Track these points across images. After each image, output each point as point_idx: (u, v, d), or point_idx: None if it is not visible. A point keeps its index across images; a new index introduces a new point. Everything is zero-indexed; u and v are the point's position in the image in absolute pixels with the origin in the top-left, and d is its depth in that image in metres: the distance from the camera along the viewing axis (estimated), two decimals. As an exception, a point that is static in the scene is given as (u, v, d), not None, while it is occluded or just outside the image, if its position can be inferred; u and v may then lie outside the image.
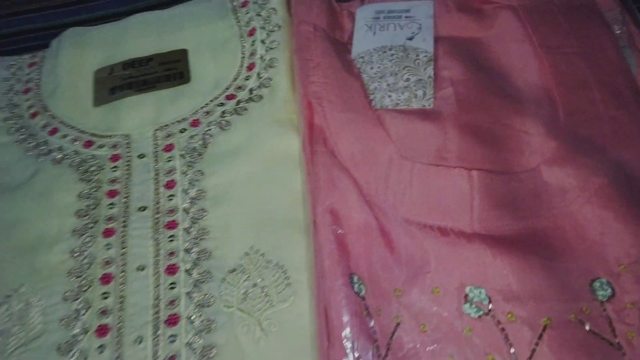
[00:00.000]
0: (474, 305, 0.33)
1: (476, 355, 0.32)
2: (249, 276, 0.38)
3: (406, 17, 0.49)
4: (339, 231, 0.37)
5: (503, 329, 0.32)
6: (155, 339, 0.36)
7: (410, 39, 0.47)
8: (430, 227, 0.36)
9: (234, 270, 0.38)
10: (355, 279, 0.36)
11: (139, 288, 0.39)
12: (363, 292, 0.36)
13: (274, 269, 0.38)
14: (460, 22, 0.48)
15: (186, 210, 0.42)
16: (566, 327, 0.32)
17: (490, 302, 0.33)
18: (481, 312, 0.33)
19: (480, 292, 0.34)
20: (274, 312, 0.36)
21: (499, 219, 0.36)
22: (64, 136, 0.47)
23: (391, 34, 0.48)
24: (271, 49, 0.49)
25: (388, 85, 0.45)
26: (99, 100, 0.50)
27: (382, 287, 0.36)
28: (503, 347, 0.32)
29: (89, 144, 0.47)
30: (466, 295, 0.34)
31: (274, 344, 0.35)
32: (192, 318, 0.37)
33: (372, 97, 0.44)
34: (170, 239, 0.41)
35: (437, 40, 0.47)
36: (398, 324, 0.34)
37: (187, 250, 0.40)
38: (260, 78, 0.48)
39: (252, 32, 0.51)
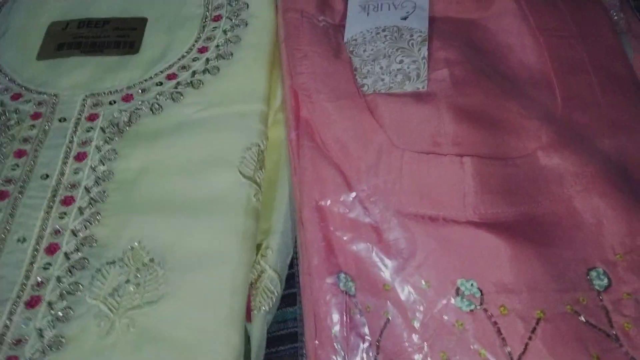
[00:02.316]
0: (465, 299, 0.32)
1: (468, 351, 0.31)
2: (125, 271, 0.35)
3: None
4: (327, 228, 0.37)
5: (495, 323, 0.31)
6: (9, 319, 0.34)
7: (405, 18, 0.45)
8: (422, 217, 0.35)
9: (112, 262, 0.36)
10: (343, 276, 0.35)
11: (13, 261, 0.36)
12: (352, 290, 0.35)
13: (153, 268, 0.35)
14: (457, 1, 0.46)
15: (87, 189, 0.39)
16: (561, 319, 0.31)
17: (482, 294, 0.32)
18: (473, 306, 0.32)
19: (472, 285, 0.32)
20: (137, 312, 0.34)
21: (494, 206, 0.35)
22: (-4, 84, 0.45)
23: (385, 13, 0.46)
24: (230, 41, 0.46)
25: (381, 68, 0.43)
26: (42, 54, 0.47)
27: (371, 283, 0.35)
28: (496, 341, 0.31)
29: (17, 96, 0.44)
30: (457, 289, 0.33)
31: (124, 347, 0.33)
32: (52, 304, 0.34)
33: (364, 81, 0.42)
34: (61, 215, 0.38)
35: (432, 20, 0.45)
36: (388, 320, 0.33)
37: (74, 232, 0.37)
38: (208, 64, 0.45)
39: (217, 18, 0.48)
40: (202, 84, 0.44)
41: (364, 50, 0.44)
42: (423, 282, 0.33)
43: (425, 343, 0.32)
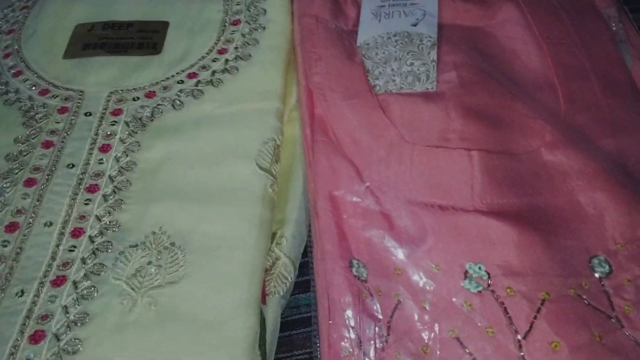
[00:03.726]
0: (473, 281, 0.34)
1: (476, 329, 0.33)
2: (147, 253, 0.37)
3: (411, 3, 0.49)
4: (340, 216, 0.38)
5: (502, 303, 0.33)
6: (36, 296, 0.35)
7: (415, 25, 0.47)
8: (431, 206, 0.37)
9: (135, 245, 0.37)
10: (355, 262, 0.37)
11: (40, 243, 0.38)
12: (364, 276, 0.36)
13: (174, 251, 0.37)
14: (464, 10, 0.49)
15: (112, 178, 0.41)
16: (565, 300, 0.33)
17: (489, 277, 0.34)
18: (480, 287, 0.34)
19: (479, 268, 0.34)
20: (159, 292, 0.35)
21: (500, 196, 0.36)
22: (25, 80, 0.47)
23: (396, 20, 0.48)
24: (249, 44, 0.49)
25: (392, 70, 0.45)
26: (69, 53, 0.49)
27: (382, 267, 0.36)
28: (502, 320, 0.32)
29: (44, 92, 0.46)
30: (466, 272, 0.34)
31: (146, 323, 0.34)
32: (77, 283, 0.36)
33: (376, 82, 0.44)
34: (86, 202, 0.40)
35: (440, 27, 0.47)
36: (399, 302, 0.35)
37: (98, 218, 0.39)
38: (227, 64, 0.47)
39: (236, 22, 0.51)
40: (222, 82, 0.46)
41: (376, 54, 0.46)
42: (433, 266, 0.35)
43: (434, 322, 0.34)
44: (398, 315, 0.35)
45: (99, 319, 0.34)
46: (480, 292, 0.34)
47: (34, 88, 0.47)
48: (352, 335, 0.35)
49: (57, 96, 0.46)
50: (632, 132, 0.40)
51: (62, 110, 0.45)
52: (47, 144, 0.43)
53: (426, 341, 0.33)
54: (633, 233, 0.35)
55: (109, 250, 0.37)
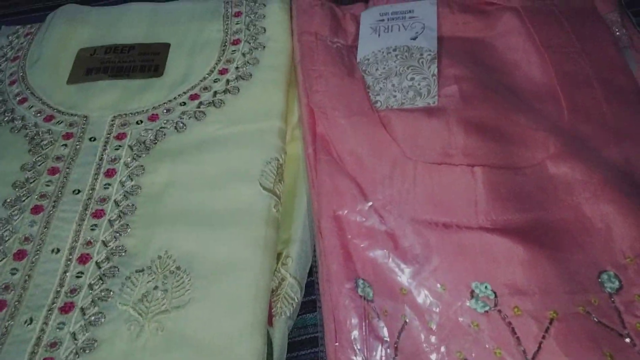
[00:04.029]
0: (480, 301, 0.33)
1: (483, 350, 0.32)
2: (153, 278, 0.37)
3: (410, 17, 0.49)
4: (344, 236, 0.38)
5: (510, 323, 0.33)
6: (45, 324, 0.36)
7: (414, 38, 0.47)
8: (435, 224, 0.37)
9: (141, 270, 0.38)
10: (361, 282, 0.37)
11: (48, 270, 0.38)
12: (370, 296, 0.36)
13: (180, 275, 0.37)
14: (463, 22, 0.49)
15: (117, 203, 0.41)
16: (574, 319, 0.32)
17: (496, 296, 0.33)
18: (487, 307, 0.33)
19: (486, 287, 0.34)
20: (165, 317, 0.35)
21: (504, 212, 0.36)
22: (30, 107, 0.48)
23: (395, 34, 0.48)
24: (249, 63, 0.49)
25: (393, 85, 0.45)
26: (73, 78, 0.50)
27: (388, 287, 0.36)
28: (510, 341, 0.32)
29: (49, 118, 0.47)
30: (472, 291, 0.34)
31: (154, 350, 0.34)
32: (85, 309, 0.36)
33: (377, 97, 0.44)
34: (92, 227, 0.40)
35: (440, 40, 0.47)
36: (405, 323, 0.35)
37: (105, 243, 0.39)
38: (229, 84, 0.47)
39: (236, 42, 0.51)
40: (224, 103, 0.46)
41: (376, 69, 0.46)
42: (439, 286, 0.35)
43: (442, 343, 0.33)
44: (405, 336, 0.34)
45: (107, 346, 0.35)
46: (487, 312, 0.33)
47: (39, 115, 0.47)
48: (359, 358, 0.35)
49: (61, 122, 0.47)
50: (637, 139, 0.39)
51: (67, 136, 0.46)
52: (53, 171, 0.43)
53: None
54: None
55: (116, 276, 0.38)
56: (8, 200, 0.42)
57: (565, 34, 0.46)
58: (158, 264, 0.38)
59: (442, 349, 0.33)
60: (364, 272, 0.37)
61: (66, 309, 0.36)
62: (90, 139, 0.45)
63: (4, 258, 0.39)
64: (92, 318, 0.36)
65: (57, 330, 0.36)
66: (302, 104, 0.46)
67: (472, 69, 0.45)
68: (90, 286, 0.37)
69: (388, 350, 0.35)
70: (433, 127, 0.41)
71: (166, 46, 0.51)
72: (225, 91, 0.47)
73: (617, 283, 0.33)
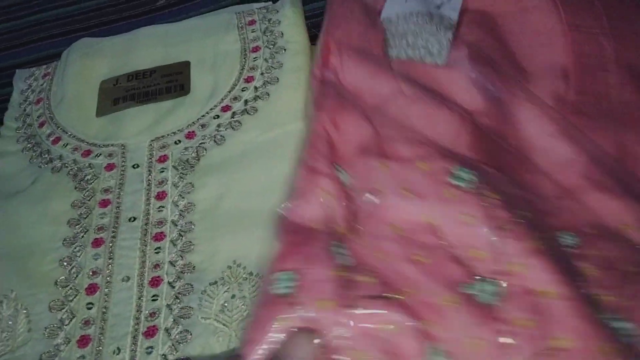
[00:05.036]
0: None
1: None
2: (229, 288, 0.38)
3: None
4: (332, 133, 0.38)
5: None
6: (133, 351, 0.36)
7: (439, 7, 0.47)
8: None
9: (215, 282, 0.38)
10: (339, 167, 0.37)
11: (123, 299, 0.39)
12: (348, 181, 0.36)
13: (254, 280, 0.38)
14: None
15: (174, 223, 0.42)
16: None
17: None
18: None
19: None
20: None
21: (490, 160, 0.37)
22: (65, 145, 0.49)
23: (421, 1, 0.48)
24: (273, 67, 0.49)
25: (407, 42, 0.45)
26: (101, 111, 0.51)
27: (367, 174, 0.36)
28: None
29: (87, 153, 0.48)
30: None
31: None
32: (169, 330, 0.37)
33: (390, 50, 0.45)
34: (156, 250, 0.41)
35: (464, 11, 0.47)
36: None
37: (172, 263, 0.40)
38: (257, 91, 0.48)
39: (256, 49, 0.51)
40: (256, 110, 0.47)
41: (396, 28, 0.47)
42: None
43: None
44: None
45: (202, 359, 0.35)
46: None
47: (76, 151, 0.48)
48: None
49: (100, 154, 0.47)
50: (638, 130, 0.39)
51: (109, 167, 0.46)
52: (104, 203, 0.44)
53: None
54: (609, 223, 0.35)
55: (191, 292, 0.38)
56: (67, 239, 0.42)
57: (595, 14, 0.44)
58: (229, 273, 0.39)
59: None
60: (343, 162, 0.38)
61: (150, 333, 0.37)
62: (133, 167, 0.46)
63: (77, 295, 0.39)
64: (179, 337, 0.36)
65: (147, 354, 0.36)
66: (321, 41, 0.45)
67: (487, 37, 0.45)
68: (169, 307, 0.38)
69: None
70: (436, 80, 0.42)
71: (186, 64, 0.52)
72: (256, 98, 0.48)
73: (576, 240, 0.34)
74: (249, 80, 0.49)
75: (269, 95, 0.48)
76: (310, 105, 0.42)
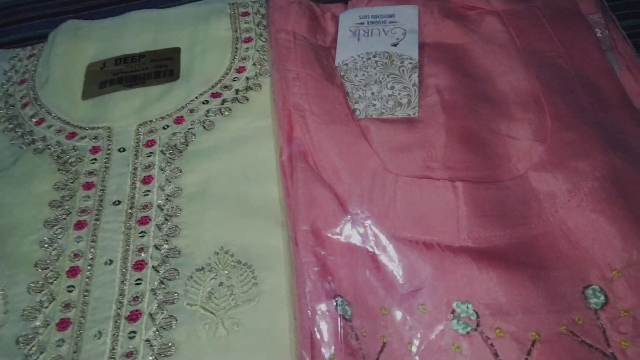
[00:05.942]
0: (461, 321, 0.32)
1: None
2: (216, 275, 0.37)
3: (391, 22, 0.47)
4: (322, 252, 0.36)
5: (492, 345, 0.31)
6: (115, 335, 0.35)
7: (395, 45, 0.46)
8: (416, 242, 0.35)
9: (202, 268, 0.38)
10: (340, 301, 0.35)
11: (105, 282, 0.38)
12: (349, 314, 0.34)
13: (242, 269, 0.37)
14: (445, 27, 0.47)
15: (160, 207, 0.41)
16: (556, 339, 0.31)
17: (478, 317, 0.32)
18: (469, 328, 0.32)
19: (467, 307, 0.32)
20: (238, 311, 0.36)
21: (487, 229, 0.35)
22: (49, 127, 0.47)
23: (375, 39, 0.46)
24: (265, 60, 0.49)
25: (372, 93, 0.43)
26: (87, 94, 0.50)
27: (368, 307, 0.34)
28: None
29: (72, 135, 0.46)
30: (453, 311, 0.32)
31: (235, 343, 0.34)
32: (153, 315, 0.36)
33: (356, 106, 0.43)
34: (141, 234, 0.40)
35: (421, 46, 0.46)
36: (384, 344, 0.33)
37: (157, 247, 0.39)
38: (249, 81, 0.48)
39: (248, 40, 0.51)
40: (247, 100, 0.46)
41: (356, 76, 0.45)
42: (419, 306, 0.33)
43: None
44: (384, 358, 0.32)
45: (187, 347, 0.35)
46: (468, 333, 0.32)
47: (60, 133, 0.47)
48: None
49: (85, 137, 0.46)
50: (623, 145, 0.38)
51: (94, 150, 0.45)
52: (88, 185, 0.43)
53: None
54: (630, 256, 0.33)
55: (177, 278, 0.38)
56: (48, 220, 0.41)
57: (548, 37, 0.44)
58: (217, 260, 0.38)
59: None
60: (341, 290, 0.35)
61: (133, 317, 0.36)
62: (119, 150, 0.45)
63: (57, 277, 0.38)
64: (163, 322, 0.36)
65: (130, 339, 0.35)
66: (277, 107, 0.43)
67: (454, 77, 0.43)
68: (153, 291, 0.37)
69: None
70: (414, 139, 0.40)
71: (176, 50, 0.51)
72: (247, 88, 0.47)
73: (602, 298, 0.32)
74: (240, 70, 0.49)
75: (260, 86, 0.47)
76: (288, 207, 0.39)
